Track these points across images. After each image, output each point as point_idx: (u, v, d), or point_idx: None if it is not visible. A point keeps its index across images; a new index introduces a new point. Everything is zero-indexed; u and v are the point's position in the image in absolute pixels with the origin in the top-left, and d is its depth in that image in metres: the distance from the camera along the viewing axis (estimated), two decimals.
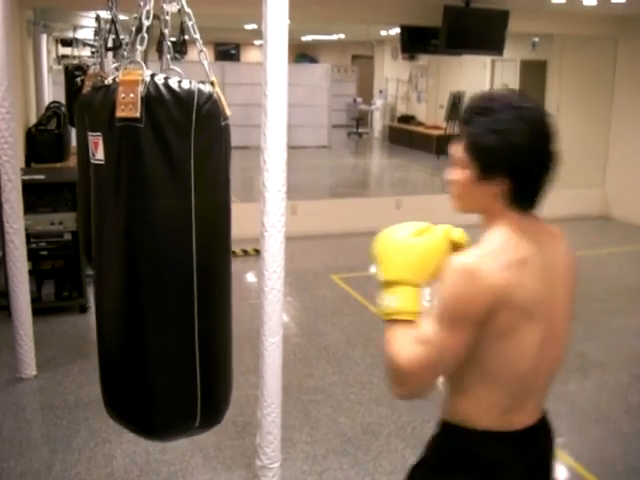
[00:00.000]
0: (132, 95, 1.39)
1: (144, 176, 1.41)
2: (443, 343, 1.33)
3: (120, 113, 1.39)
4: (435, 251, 1.42)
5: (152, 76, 1.41)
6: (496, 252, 1.36)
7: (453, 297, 1.33)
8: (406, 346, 1.35)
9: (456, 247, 1.47)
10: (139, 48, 1.48)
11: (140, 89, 1.39)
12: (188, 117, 1.43)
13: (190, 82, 1.44)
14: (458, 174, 1.43)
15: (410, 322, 1.38)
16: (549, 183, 1.42)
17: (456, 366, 1.39)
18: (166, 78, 1.43)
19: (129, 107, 1.39)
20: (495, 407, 1.43)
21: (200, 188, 1.45)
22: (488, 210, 1.43)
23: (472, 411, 1.44)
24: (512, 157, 1.36)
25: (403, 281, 1.39)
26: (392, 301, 1.39)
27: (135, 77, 1.41)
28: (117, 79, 1.43)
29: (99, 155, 1.45)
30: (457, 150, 1.42)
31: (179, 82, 1.43)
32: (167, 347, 1.48)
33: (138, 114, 1.38)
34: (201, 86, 1.45)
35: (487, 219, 1.44)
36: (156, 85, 1.40)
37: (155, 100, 1.40)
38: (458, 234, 1.48)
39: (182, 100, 1.42)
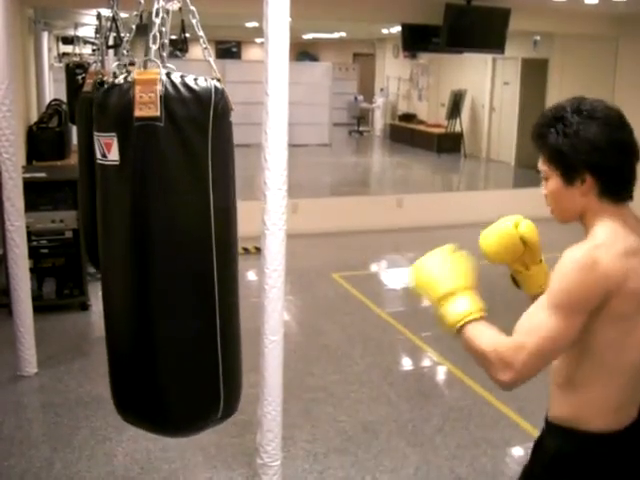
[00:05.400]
0: (151, 94, 1.40)
1: (165, 174, 1.44)
2: (558, 331, 1.36)
3: (139, 113, 1.40)
4: (468, 261, 1.51)
5: (168, 74, 1.43)
6: (607, 244, 1.40)
7: (570, 288, 1.36)
8: (500, 337, 1.38)
9: (525, 241, 1.59)
10: (153, 47, 1.49)
11: (159, 88, 1.40)
12: (206, 114, 1.45)
13: (205, 79, 1.46)
14: (548, 187, 1.49)
15: (482, 319, 1.43)
16: (635, 170, 1.46)
17: (564, 355, 1.43)
18: (182, 76, 1.45)
19: (148, 106, 1.40)
20: (609, 403, 1.44)
21: (217, 183, 1.49)
22: (585, 210, 1.47)
23: (585, 410, 1.45)
24: (587, 153, 1.40)
25: (460, 287, 1.45)
26: (460, 306, 1.43)
27: (152, 76, 1.42)
28: (130, 78, 1.43)
29: (113, 156, 1.45)
30: (541, 165, 1.49)
31: (195, 80, 1.44)
32: (186, 344, 1.54)
33: (158, 113, 1.40)
34: (216, 83, 1.47)
35: (587, 219, 1.48)
36: (174, 83, 1.43)
37: (174, 98, 1.42)
38: (526, 227, 1.60)
39: (200, 97, 1.44)
